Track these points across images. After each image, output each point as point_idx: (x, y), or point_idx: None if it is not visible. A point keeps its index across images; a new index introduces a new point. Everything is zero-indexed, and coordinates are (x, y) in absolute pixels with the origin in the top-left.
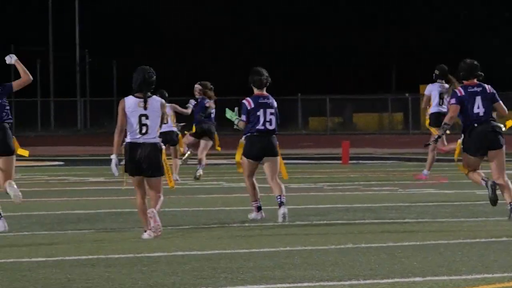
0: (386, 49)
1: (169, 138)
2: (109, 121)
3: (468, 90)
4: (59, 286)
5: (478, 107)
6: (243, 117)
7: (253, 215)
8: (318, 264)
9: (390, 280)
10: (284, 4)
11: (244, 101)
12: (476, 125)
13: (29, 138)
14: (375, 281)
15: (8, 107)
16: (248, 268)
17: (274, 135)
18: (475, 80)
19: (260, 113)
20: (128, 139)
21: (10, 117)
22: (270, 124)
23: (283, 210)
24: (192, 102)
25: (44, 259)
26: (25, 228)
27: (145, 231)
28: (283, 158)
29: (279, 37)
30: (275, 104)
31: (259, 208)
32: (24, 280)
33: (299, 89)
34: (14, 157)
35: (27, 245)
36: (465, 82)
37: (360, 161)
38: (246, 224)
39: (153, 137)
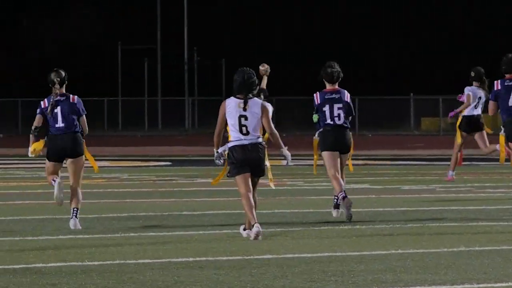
0: (499, 47)
1: None
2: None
3: (505, 84)
4: None
5: None
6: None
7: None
8: (430, 267)
9: (504, 284)
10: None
11: (314, 95)
12: None
13: (136, 138)
14: (489, 285)
15: (76, 122)
16: (359, 271)
17: (347, 130)
18: None
19: (326, 108)
20: (231, 143)
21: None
22: (339, 119)
23: (341, 209)
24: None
25: (151, 260)
26: (132, 230)
27: (244, 229)
28: (394, 159)
29: (395, 38)
30: (346, 98)
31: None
32: (130, 282)
33: (412, 89)
34: (81, 159)
35: (134, 246)
36: (506, 75)
37: (474, 163)
38: (357, 226)
39: (255, 137)
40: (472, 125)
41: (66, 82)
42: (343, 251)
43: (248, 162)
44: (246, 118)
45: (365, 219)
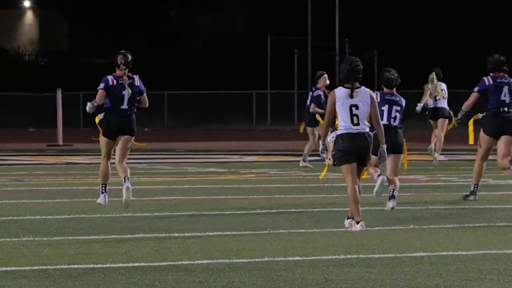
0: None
1: None
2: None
3: (497, 80)
4: (316, 286)
5: (505, 95)
6: None
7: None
8: None
9: None
10: None
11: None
12: (501, 110)
13: (285, 132)
14: None
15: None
16: None
17: (399, 131)
18: (502, 74)
19: (385, 108)
20: (340, 131)
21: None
22: (395, 121)
23: (391, 203)
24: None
25: (300, 258)
26: (281, 226)
27: (358, 223)
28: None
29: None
30: (402, 103)
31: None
32: (279, 280)
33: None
34: (132, 139)
35: (283, 243)
36: (492, 74)
37: None
38: None
39: (365, 127)
40: None
41: (130, 66)
42: (499, 249)
43: (355, 150)
44: (357, 107)
45: None
